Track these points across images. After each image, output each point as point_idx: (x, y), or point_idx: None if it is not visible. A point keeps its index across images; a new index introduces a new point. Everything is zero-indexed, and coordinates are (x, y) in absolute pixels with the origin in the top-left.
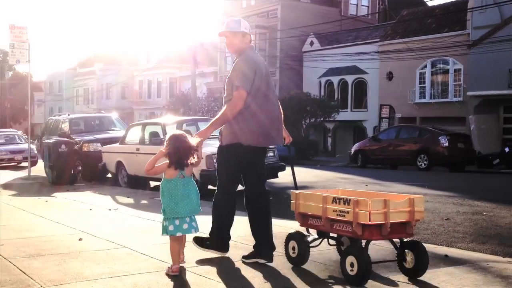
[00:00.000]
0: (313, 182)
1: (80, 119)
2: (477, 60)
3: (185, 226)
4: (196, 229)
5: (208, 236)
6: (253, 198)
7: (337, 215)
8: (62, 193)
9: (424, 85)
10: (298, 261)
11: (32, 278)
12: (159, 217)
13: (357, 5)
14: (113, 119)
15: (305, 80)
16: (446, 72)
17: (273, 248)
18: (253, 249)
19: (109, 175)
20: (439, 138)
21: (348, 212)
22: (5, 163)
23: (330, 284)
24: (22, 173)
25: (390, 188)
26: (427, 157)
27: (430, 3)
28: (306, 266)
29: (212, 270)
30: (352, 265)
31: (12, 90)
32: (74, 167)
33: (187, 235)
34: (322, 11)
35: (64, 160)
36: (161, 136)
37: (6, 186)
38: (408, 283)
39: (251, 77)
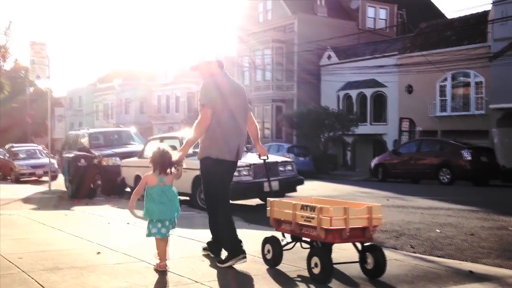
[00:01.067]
0: (332, 197)
1: (99, 134)
2: (499, 72)
3: (163, 230)
4: (167, 233)
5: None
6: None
7: (305, 220)
8: (81, 207)
9: (445, 98)
10: (272, 262)
11: None
12: (178, 231)
13: (374, 18)
14: (131, 134)
15: (323, 94)
16: (467, 85)
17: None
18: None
19: (128, 189)
20: (462, 151)
21: (313, 218)
22: (26, 177)
23: (297, 282)
24: (43, 187)
25: (411, 203)
26: (450, 171)
27: (449, 16)
28: (279, 266)
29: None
30: (316, 265)
31: (33, 106)
32: (93, 181)
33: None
34: (339, 25)
35: (83, 174)
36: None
37: (27, 200)
38: (368, 283)
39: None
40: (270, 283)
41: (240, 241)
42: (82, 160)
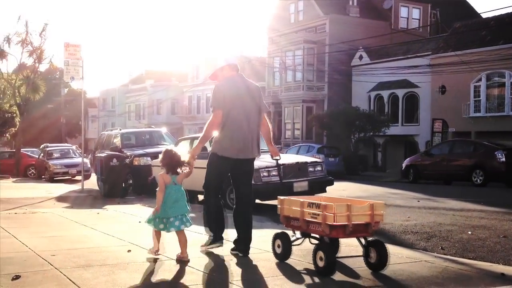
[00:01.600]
0: (362, 197)
1: (131, 134)
2: None
3: (176, 223)
4: (181, 225)
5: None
6: (239, 202)
7: (311, 217)
8: (113, 206)
9: (479, 98)
10: (282, 256)
11: None
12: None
13: (407, 18)
14: (162, 134)
15: (354, 94)
16: (502, 85)
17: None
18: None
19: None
20: (496, 153)
21: (319, 215)
22: (60, 176)
23: (302, 274)
24: (76, 187)
25: (443, 204)
26: (483, 172)
27: (484, 15)
28: (288, 261)
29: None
30: (321, 259)
31: (68, 107)
32: (125, 181)
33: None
34: (371, 25)
35: (116, 174)
36: (208, 150)
37: (60, 198)
38: (370, 276)
39: (221, 99)
40: (292, 285)
41: (223, 229)
42: (114, 160)
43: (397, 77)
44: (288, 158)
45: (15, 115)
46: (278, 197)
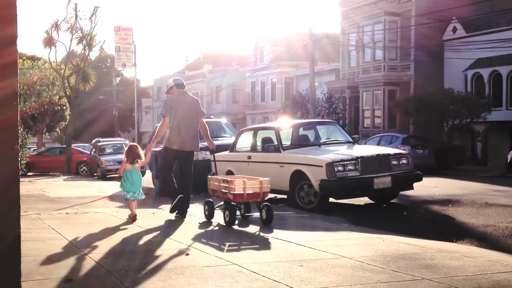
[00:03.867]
0: (458, 195)
1: None
2: None
3: (133, 194)
4: (140, 196)
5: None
6: (182, 181)
7: (224, 189)
8: (169, 205)
9: None
10: (209, 217)
11: None
12: (273, 232)
13: None
14: (222, 125)
15: (446, 74)
16: None
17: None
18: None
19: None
20: None
21: (227, 187)
22: (113, 173)
23: (215, 226)
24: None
25: None
26: None
27: None
28: (213, 220)
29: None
30: (227, 215)
31: (120, 97)
32: None
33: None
34: None
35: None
36: (275, 142)
37: (113, 197)
38: (260, 228)
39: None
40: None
41: (187, 205)
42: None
43: (500, 51)
44: (367, 149)
45: (65, 107)
46: (208, 176)
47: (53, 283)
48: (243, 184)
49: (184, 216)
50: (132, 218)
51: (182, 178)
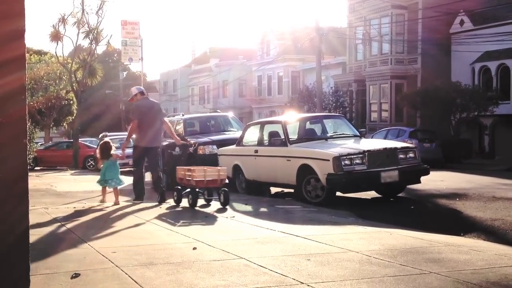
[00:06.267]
0: (465, 189)
1: (194, 120)
2: None
3: (105, 182)
4: (117, 184)
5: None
6: (152, 172)
7: (188, 177)
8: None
9: None
10: (177, 202)
11: None
12: (280, 226)
13: None
14: (229, 119)
15: (453, 67)
16: None
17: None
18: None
19: (226, 180)
20: None
21: (190, 175)
22: (120, 168)
23: (181, 209)
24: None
25: None
26: None
27: None
28: (181, 204)
29: None
30: (190, 199)
31: (126, 91)
32: None
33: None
34: None
35: (178, 164)
36: (282, 136)
37: (120, 192)
38: (220, 209)
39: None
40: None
41: (143, 192)
42: (177, 149)
43: (508, 44)
44: (374, 143)
45: (72, 102)
46: (177, 167)
47: (61, 277)
48: (204, 172)
49: (163, 202)
50: (102, 202)
51: (151, 168)
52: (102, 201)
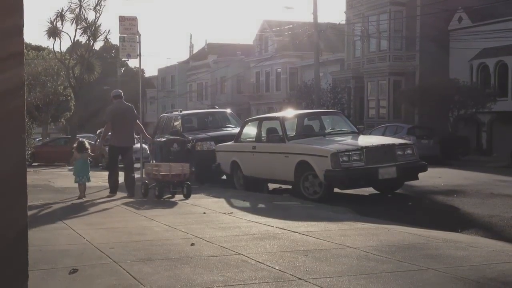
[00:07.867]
0: (463, 186)
1: (192, 116)
2: None
3: (80, 179)
4: (87, 180)
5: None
6: (126, 169)
7: (155, 171)
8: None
9: None
10: (144, 195)
11: (141, 284)
12: (278, 222)
13: None
14: (227, 115)
15: (451, 64)
16: None
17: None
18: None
19: (224, 177)
20: None
21: (157, 170)
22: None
23: (148, 200)
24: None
25: None
26: None
27: None
28: (148, 197)
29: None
30: (157, 191)
31: (124, 88)
32: None
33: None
34: None
35: (176, 160)
36: (280, 133)
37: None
38: (183, 200)
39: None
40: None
41: (117, 186)
42: (175, 145)
43: (506, 41)
44: (372, 140)
45: (69, 98)
46: (145, 163)
47: (59, 272)
48: (169, 167)
49: (133, 194)
50: (79, 197)
51: (125, 165)
52: (80, 197)
